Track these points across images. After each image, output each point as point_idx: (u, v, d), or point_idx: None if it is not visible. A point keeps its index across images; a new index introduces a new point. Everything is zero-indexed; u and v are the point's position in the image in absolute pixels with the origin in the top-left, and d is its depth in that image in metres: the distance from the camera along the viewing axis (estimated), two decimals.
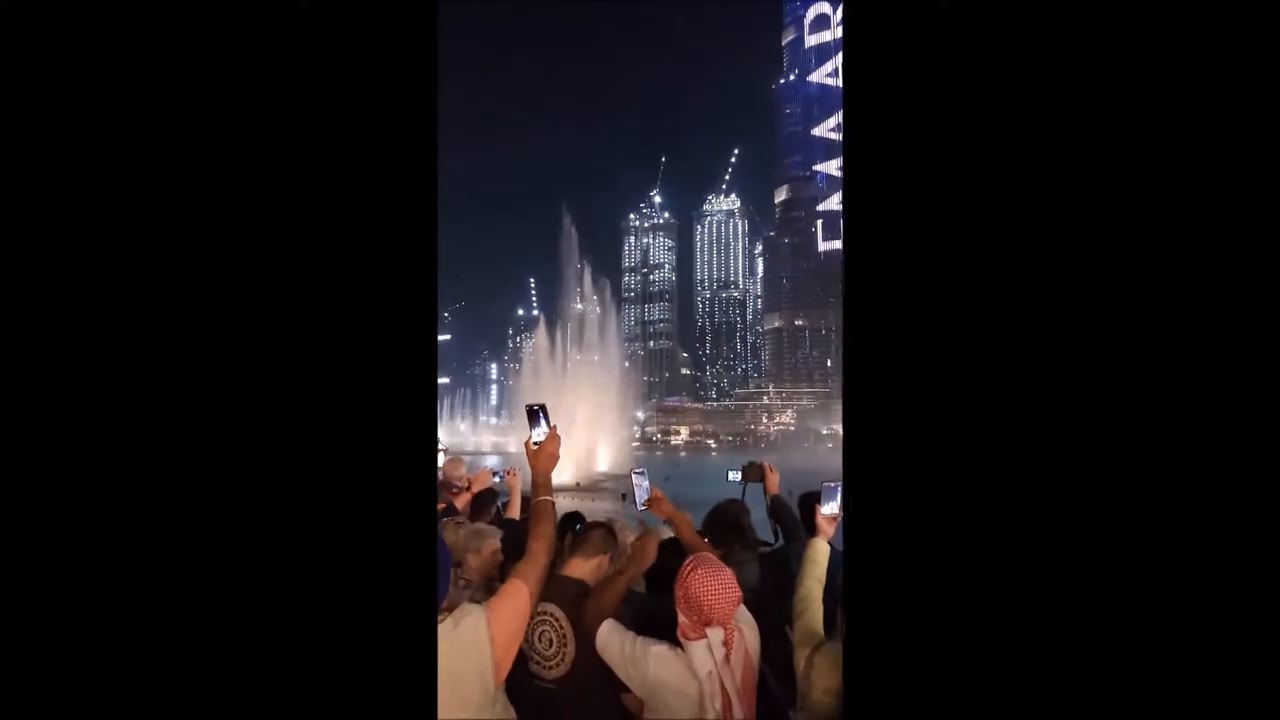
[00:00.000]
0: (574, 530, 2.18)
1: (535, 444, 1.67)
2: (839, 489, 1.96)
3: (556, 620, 1.62)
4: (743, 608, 1.57)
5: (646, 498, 2.10)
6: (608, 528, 1.92)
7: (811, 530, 2.29)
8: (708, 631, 1.46)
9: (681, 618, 1.49)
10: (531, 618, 1.57)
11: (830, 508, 1.96)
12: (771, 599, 1.93)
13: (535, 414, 1.68)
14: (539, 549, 1.54)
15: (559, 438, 1.68)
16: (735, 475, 2.56)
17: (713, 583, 1.47)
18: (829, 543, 1.87)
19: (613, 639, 1.54)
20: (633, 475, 2.18)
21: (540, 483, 1.66)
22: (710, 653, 1.44)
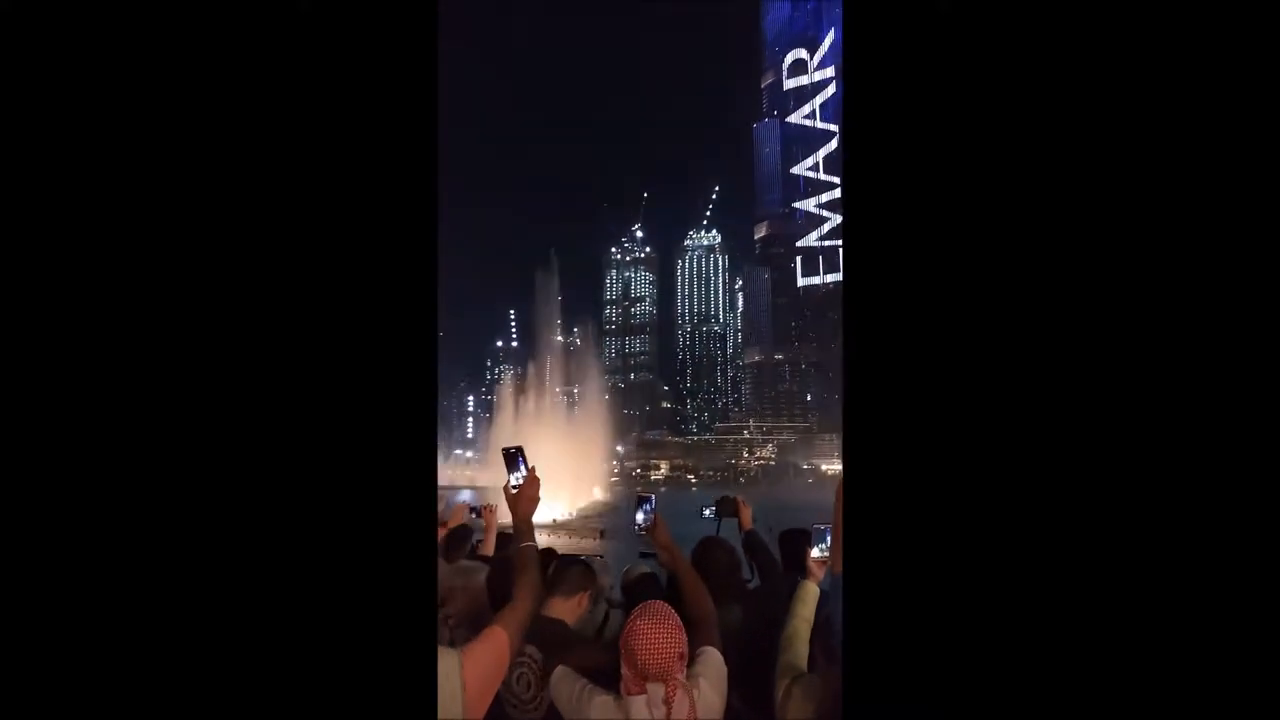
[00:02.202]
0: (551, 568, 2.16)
1: (514, 488, 1.65)
2: (828, 532, 1.99)
3: (535, 663, 1.60)
4: (712, 657, 1.53)
5: (648, 523, 2.03)
6: (584, 564, 1.90)
7: (792, 566, 2.29)
8: (648, 687, 1.37)
9: (624, 669, 1.41)
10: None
11: (820, 550, 1.97)
12: (751, 636, 1.92)
13: (513, 456, 1.67)
14: (522, 596, 1.51)
15: (538, 480, 1.67)
16: (709, 511, 2.59)
17: (652, 636, 1.38)
18: (818, 585, 1.88)
19: (562, 685, 1.51)
20: (638, 497, 2.10)
21: (521, 528, 1.63)
22: (648, 709, 1.35)
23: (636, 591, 2.15)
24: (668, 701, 1.36)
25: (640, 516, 2.05)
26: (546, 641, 1.63)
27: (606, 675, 1.46)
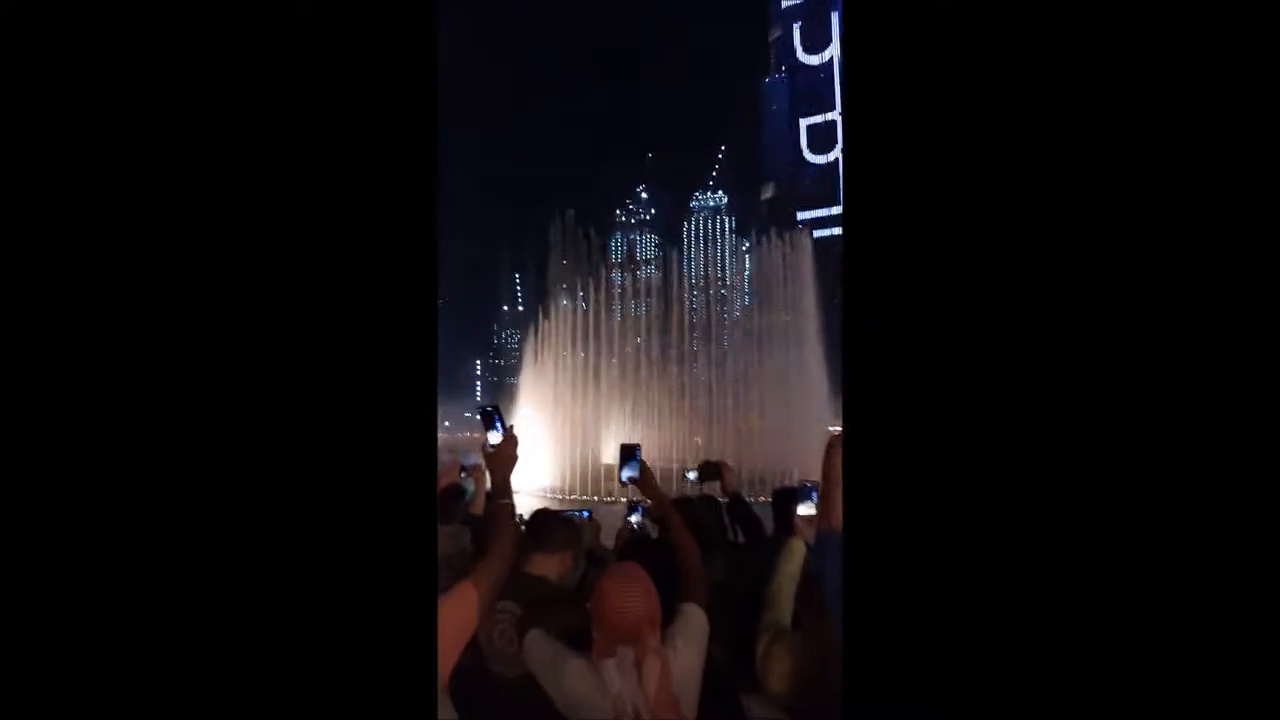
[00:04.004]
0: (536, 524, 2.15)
1: (491, 447, 1.64)
2: (814, 490, 1.97)
3: (515, 616, 1.60)
4: (693, 614, 1.50)
5: (633, 475, 1.99)
6: (570, 521, 1.89)
7: (783, 525, 2.28)
8: (618, 650, 1.34)
9: (594, 633, 1.39)
10: (491, 615, 1.54)
11: (807, 508, 1.96)
12: (737, 596, 1.92)
13: (490, 416, 1.67)
14: (495, 552, 1.51)
15: (516, 439, 1.66)
16: (693, 475, 2.59)
17: (618, 599, 1.35)
18: (805, 542, 1.87)
19: (534, 646, 1.50)
20: (622, 448, 2.04)
21: (498, 486, 1.63)
22: (618, 674, 1.32)
23: (631, 559, 2.15)
24: (637, 665, 1.33)
25: (626, 471, 2.03)
26: (527, 597, 1.64)
27: (584, 637, 1.46)
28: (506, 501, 1.62)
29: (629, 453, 1.95)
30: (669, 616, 1.47)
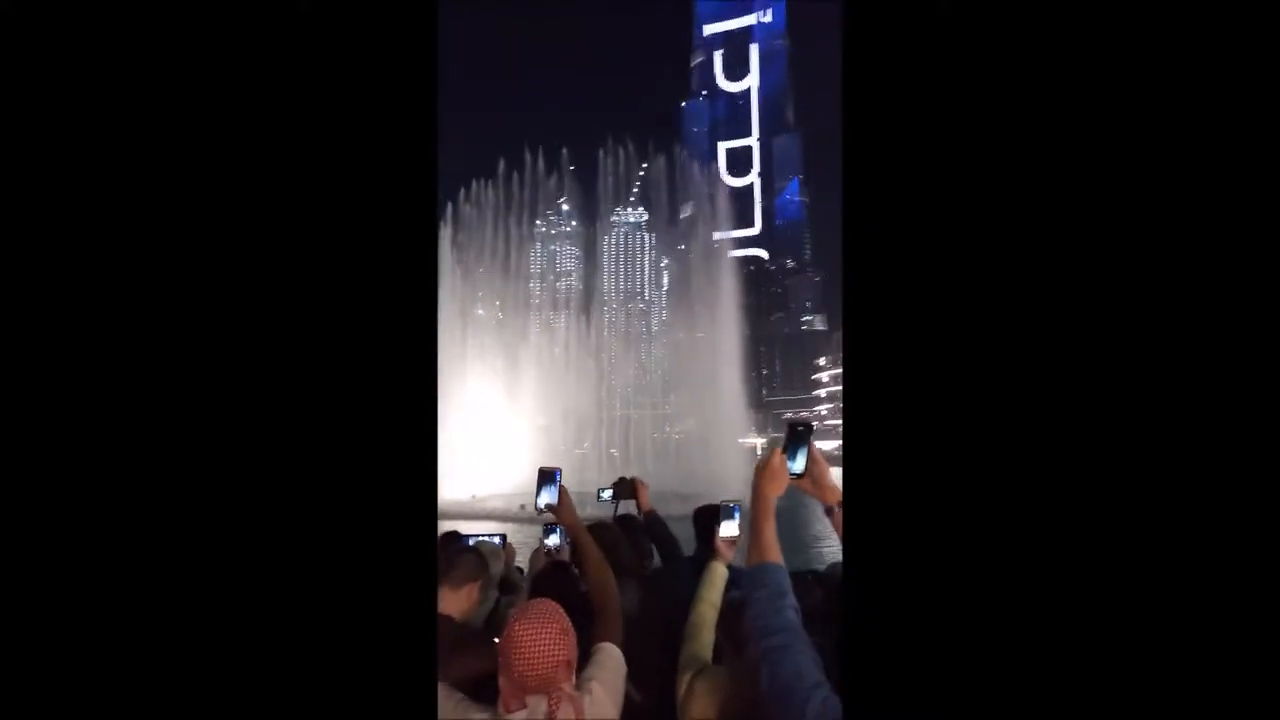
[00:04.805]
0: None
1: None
2: (737, 510, 1.90)
3: None
4: (610, 655, 1.39)
5: (551, 502, 1.82)
6: (474, 551, 1.73)
7: (704, 546, 2.21)
8: (528, 700, 1.20)
9: (500, 680, 1.23)
10: None
11: (729, 528, 1.88)
12: (654, 626, 1.82)
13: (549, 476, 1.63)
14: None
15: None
16: (607, 494, 2.50)
17: (531, 643, 1.19)
18: (725, 566, 1.79)
19: (440, 703, 1.32)
20: (540, 471, 1.86)
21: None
22: None
23: (546, 588, 2.00)
24: (550, 717, 1.19)
25: (543, 496, 1.87)
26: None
27: (493, 683, 1.29)
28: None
29: (547, 476, 1.79)
30: (584, 655, 1.33)
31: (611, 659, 1.37)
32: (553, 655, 1.20)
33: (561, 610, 1.27)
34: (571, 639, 1.25)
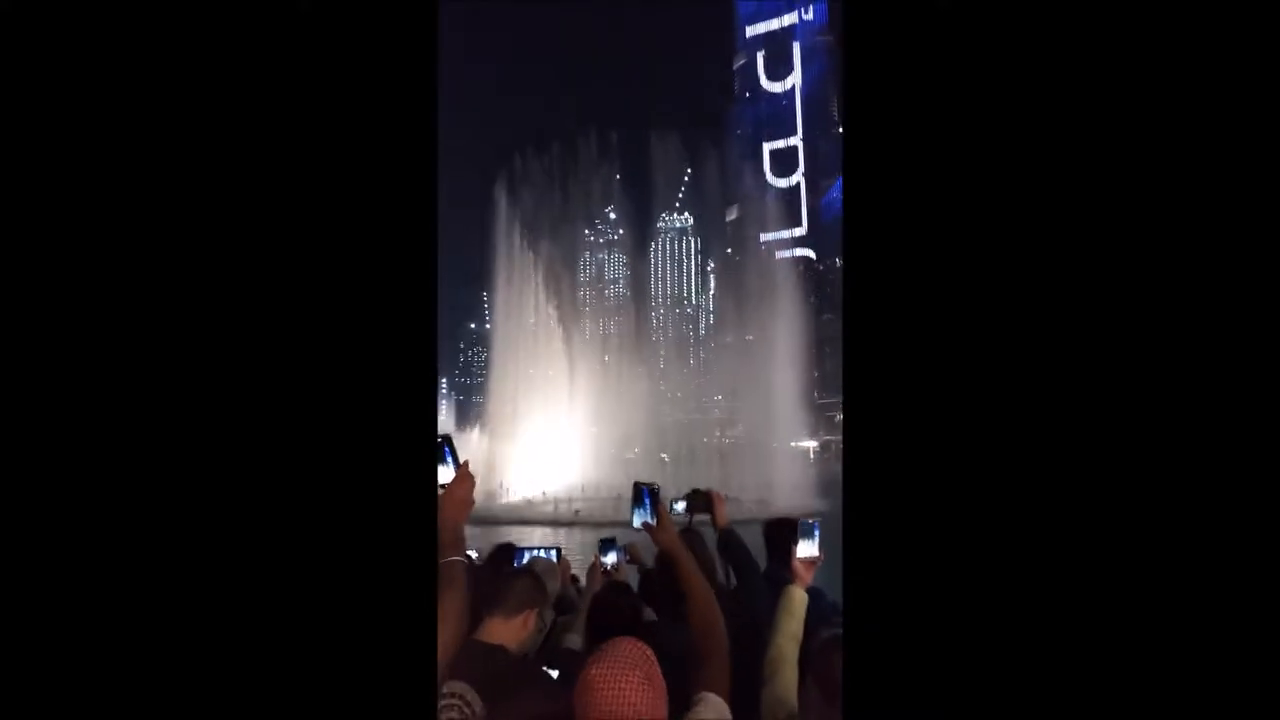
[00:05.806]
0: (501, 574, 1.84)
1: (442, 487, 1.31)
2: (817, 527, 1.70)
3: (466, 704, 1.29)
4: (712, 707, 1.18)
5: (648, 521, 1.58)
6: (531, 575, 1.58)
7: (780, 564, 2.02)
8: None
9: None
10: (437, 703, 1.24)
11: (808, 549, 1.68)
12: (731, 654, 1.65)
13: (439, 448, 1.33)
14: (441, 621, 1.18)
15: (472, 478, 1.34)
16: (681, 506, 2.25)
17: (613, 691, 1.01)
18: (805, 590, 1.60)
19: None
20: (636, 486, 1.64)
21: (448, 538, 1.29)
22: None
23: (605, 611, 1.82)
24: None
25: (638, 516, 1.60)
26: (482, 676, 1.32)
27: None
28: (457, 558, 1.30)
29: (646, 493, 1.56)
30: (678, 706, 1.13)
31: (714, 712, 1.18)
32: (633, 706, 1.02)
33: (647, 653, 1.09)
34: (658, 689, 1.06)
